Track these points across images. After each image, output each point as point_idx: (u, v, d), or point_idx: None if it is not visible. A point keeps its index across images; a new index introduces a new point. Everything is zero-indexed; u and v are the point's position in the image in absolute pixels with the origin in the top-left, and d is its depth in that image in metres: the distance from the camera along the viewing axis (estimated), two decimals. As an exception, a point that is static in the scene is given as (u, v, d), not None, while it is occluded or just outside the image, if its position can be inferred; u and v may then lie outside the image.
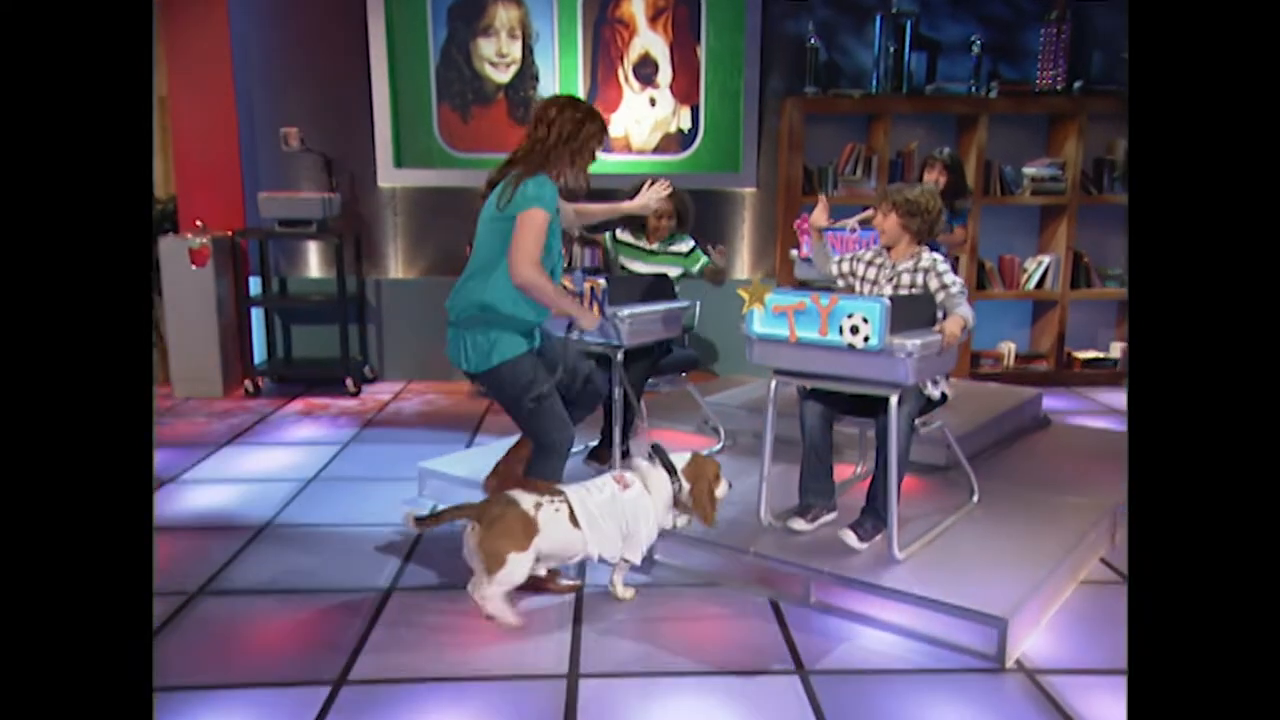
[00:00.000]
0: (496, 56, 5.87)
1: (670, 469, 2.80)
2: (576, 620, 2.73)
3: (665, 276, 3.71)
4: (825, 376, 2.83)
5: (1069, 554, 2.95)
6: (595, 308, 3.28)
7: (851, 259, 3.17)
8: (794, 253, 4.29)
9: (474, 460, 3.77)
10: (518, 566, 2.56)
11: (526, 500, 2.61)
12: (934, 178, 4.32)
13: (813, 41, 5.69)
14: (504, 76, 5.90)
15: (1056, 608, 2.81)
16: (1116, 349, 6.00)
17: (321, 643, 2.57)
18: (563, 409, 2.87)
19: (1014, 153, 5.83)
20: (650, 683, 2.39)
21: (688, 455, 2.87)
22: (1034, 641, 2.61)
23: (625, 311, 3.31)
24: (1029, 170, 5.74)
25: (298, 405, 5.31)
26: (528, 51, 5.86)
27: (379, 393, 5.66)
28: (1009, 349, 6.00)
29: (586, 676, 2.41)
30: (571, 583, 2.92)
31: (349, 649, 2.54)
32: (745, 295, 2.82)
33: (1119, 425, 4.88)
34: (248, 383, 5.52)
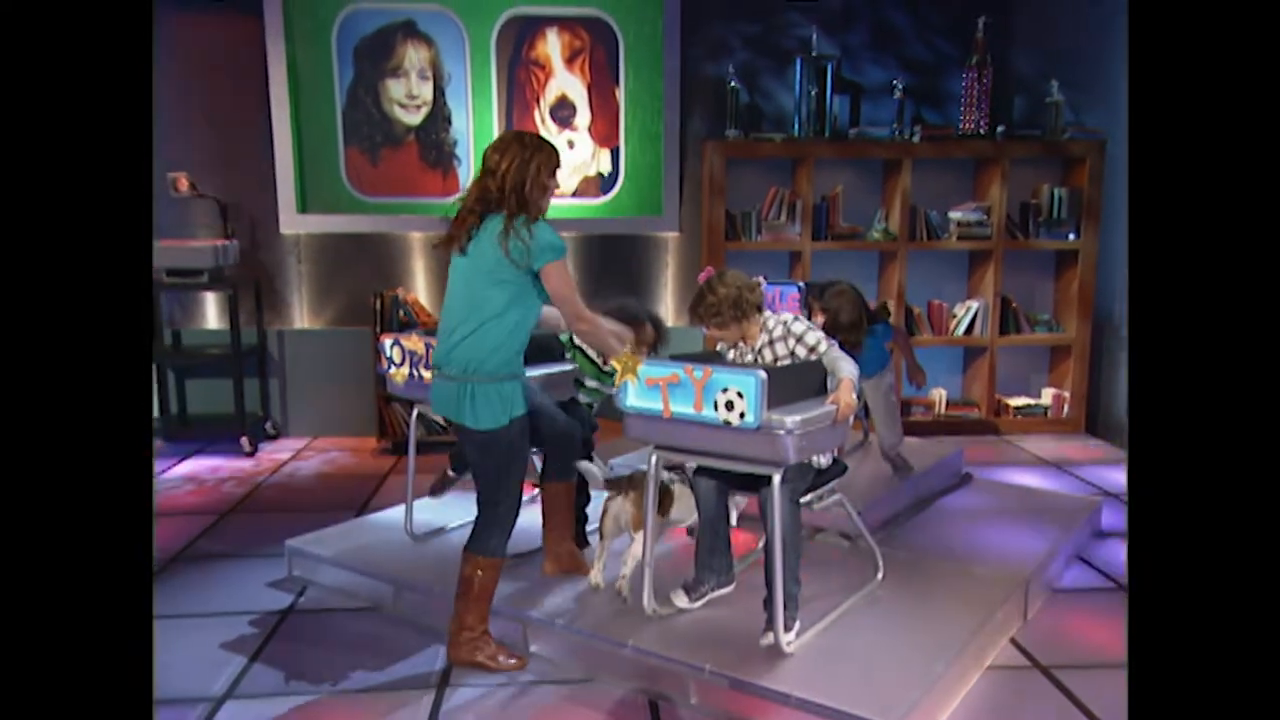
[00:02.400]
0: (406, 98, 5.65)
1: None
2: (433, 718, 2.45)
3: (554, 336, 3.47)
4: (703, 453, 2.59)
5: (975, 636, 2.74)
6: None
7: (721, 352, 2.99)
8: (699, 307, 4.07)
9: (346, 539, 3.47)
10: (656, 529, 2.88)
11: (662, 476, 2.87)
12: (820, 320, 3.94)
13: (733, 84, 5.55)
14: (415, 118, 5.67)
15: (958, 701, 2.58)
16: (1047, 395, 5.86)
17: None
18: (522, 482, 2.75)
19: (939, 197, 5.71)
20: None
21: None
22: (931, 745, 2.38)
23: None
24: (955, 215, 5.62)
25: (185, 468, 4.96)
26: (439, 93, 5.64)
27: (279, 451, 5.33)
28: (940, 396, 5.84)
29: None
30: (515, 660, 2.75)
31: (156, 777, 2.23)
32: (618, 366, 2.59)
33: (1044, 478, 4.72)
34: (133, 443, 5.15)
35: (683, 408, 2.50)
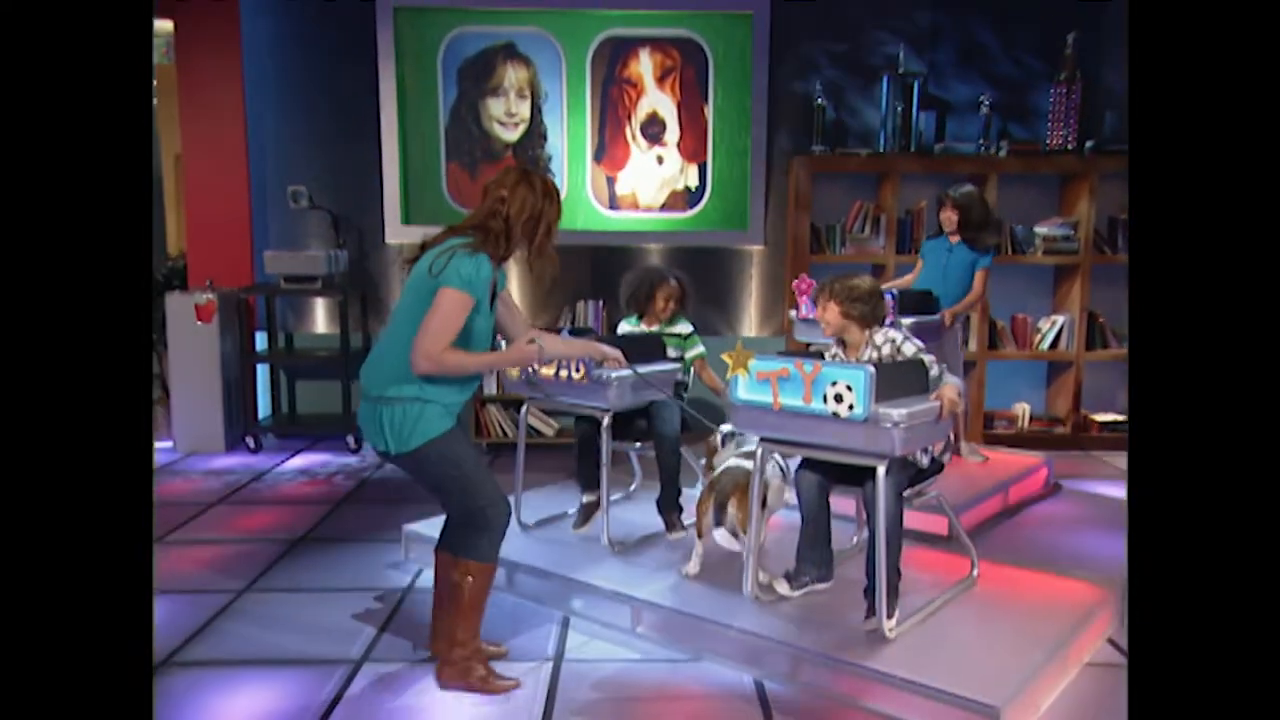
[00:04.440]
0: (505, 116, 5.93)
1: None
2: (549, 698, 2.62)
3: (656, 336, 3.66)
4: (810, 445, 2.73)
5: (1073, 634, 2.81)
6: (582, 370, 3.22)
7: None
8: (793, 313, 4.22)
9: (460, 524, 3.68)
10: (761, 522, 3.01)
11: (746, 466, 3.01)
12: (947, 215, 4.35)
13: (820, 101, 5.69)
14: (512, 135, 5.95)
15: (1057, 694, 2.66)
16: (1135, 411, 5.82)
17: None
18: (494, 481, 2.62)
19: (1025, 212, 5.75)
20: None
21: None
22: (1032, 731, 2.46)
23: (613, 374, 3.24)
24: (1041, 230, 5.66)
25: (297, 462, 5.27)
26: (536, 111, 5.91)
27: (380, 449, 5.61)
28: (1024, 410, 5.85)
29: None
30: (507, 682, 2.66)
31: (309, 727, 2.45)
32: (729, 360, 2.75)
33: (1136, 492, 4.71)
34: (249, 439, 5.50)
35: (792, 400, 2.64)
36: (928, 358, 2.87)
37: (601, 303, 5.83)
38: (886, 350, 2.90)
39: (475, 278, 2.42)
